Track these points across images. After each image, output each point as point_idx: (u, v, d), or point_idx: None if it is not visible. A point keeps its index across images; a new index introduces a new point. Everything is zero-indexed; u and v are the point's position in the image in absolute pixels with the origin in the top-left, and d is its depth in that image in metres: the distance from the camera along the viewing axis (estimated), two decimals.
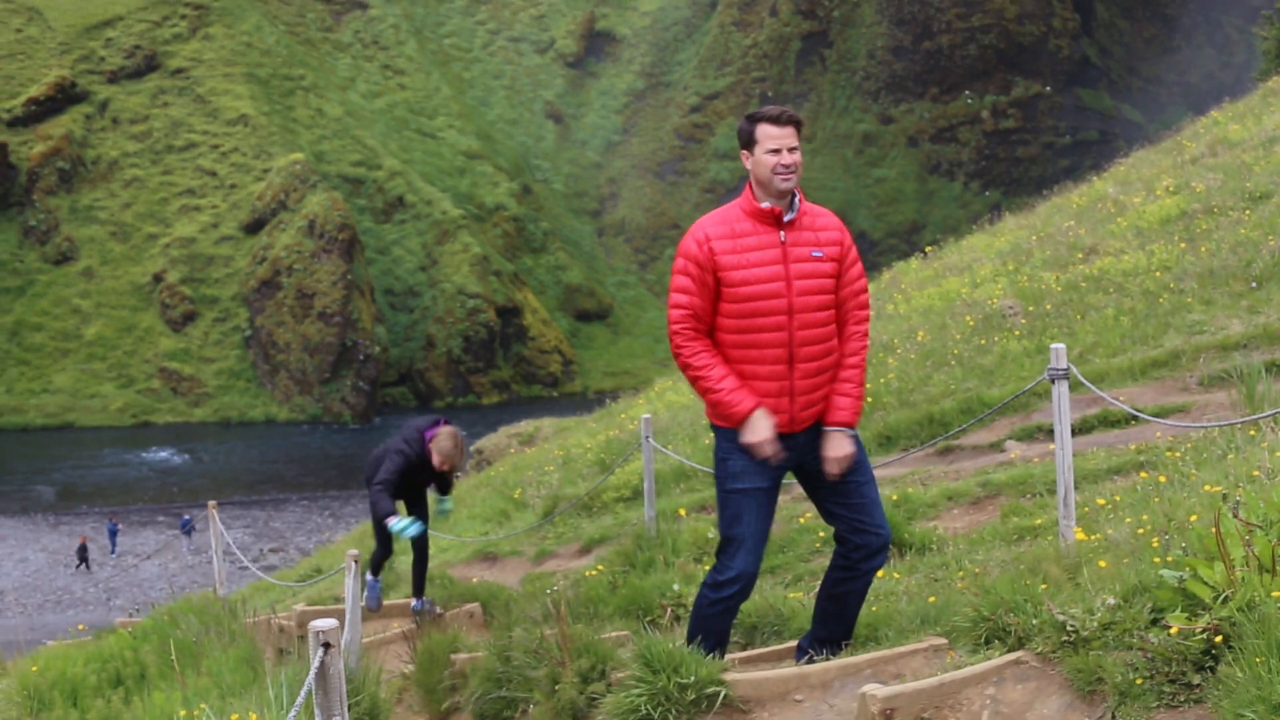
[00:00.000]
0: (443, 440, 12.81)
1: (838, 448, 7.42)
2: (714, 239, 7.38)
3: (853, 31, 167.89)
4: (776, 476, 7.63)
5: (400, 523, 12.08)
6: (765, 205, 7.34)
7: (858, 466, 7.59)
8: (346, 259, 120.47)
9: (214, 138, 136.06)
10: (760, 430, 7.40)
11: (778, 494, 7.71)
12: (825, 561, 11.71)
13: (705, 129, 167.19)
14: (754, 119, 7.43)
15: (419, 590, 13.71)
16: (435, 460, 12.78)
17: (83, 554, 66.86)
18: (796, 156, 7.32)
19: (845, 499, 7.58)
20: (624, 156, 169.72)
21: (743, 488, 7.60)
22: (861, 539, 7.57)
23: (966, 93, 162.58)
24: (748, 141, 7.42)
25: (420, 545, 13.51)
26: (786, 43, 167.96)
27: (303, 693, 5.02)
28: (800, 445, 7.54)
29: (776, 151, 7.28)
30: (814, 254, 7.35)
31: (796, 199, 7.40)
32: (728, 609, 7.80)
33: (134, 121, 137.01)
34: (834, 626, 7.83)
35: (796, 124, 7.38)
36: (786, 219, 7.36)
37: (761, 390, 7.42)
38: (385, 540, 13.32)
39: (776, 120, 7.36)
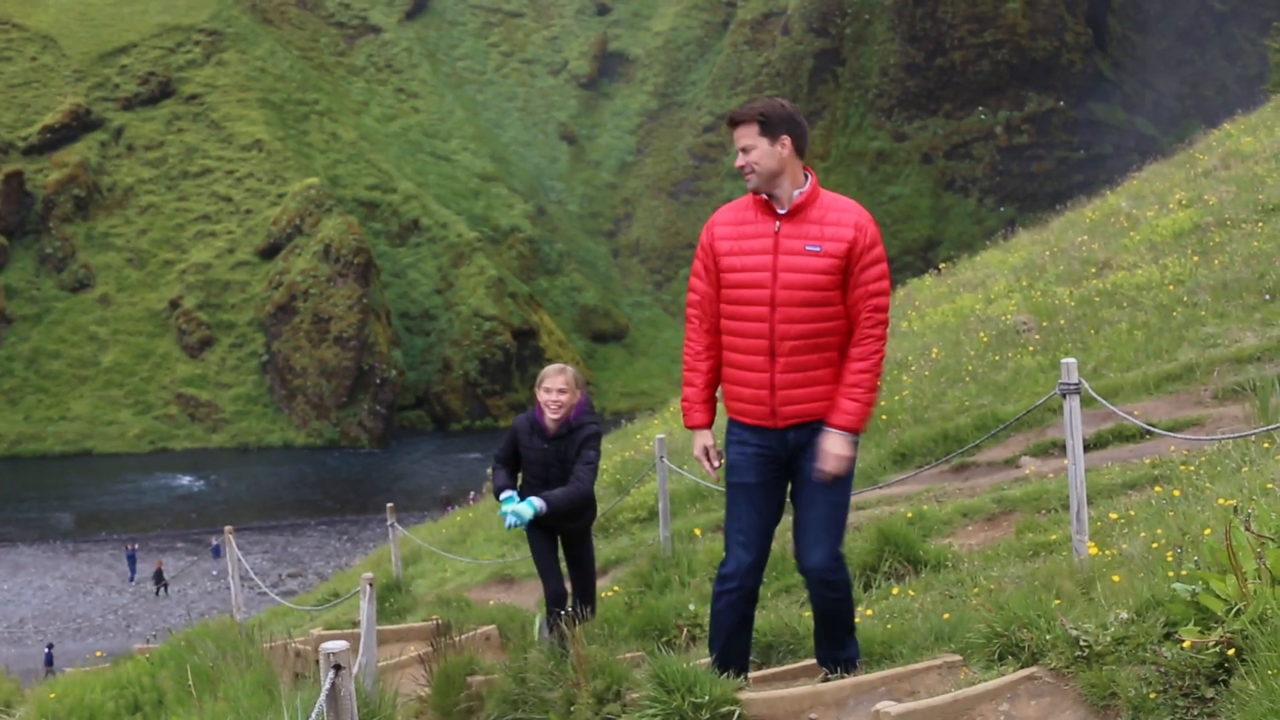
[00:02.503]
0: (542, 376, 10.44)
1: (831, 447, 7.32)
2: (718, 225, 7.50)
3: (865, 49, 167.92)
4: (767, 473, 7.60)
5: (509, 499, 10.05)
6: (761, 196, 7.38)
7: (833, 483, 7.48)
8: (362, 283, 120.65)
9: (229, 163, 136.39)
10: (695, 448, 7.69)
11: (778, 493, 7.67)
12: None
13: (719, 148, 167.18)
14: None
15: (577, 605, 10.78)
16: (540, 398, 10.26)
17: (159, 578, 67.10)
18: (751, 156, 7.29)
19: (799, 509, 7.58)
20: (638, 177, 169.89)
21: (734, 481, 7.66)
22: (796, 560, 7.66)
23: (980, 109, 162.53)
24: None
25: (573, 551, 10.77)
26: (799, 61, 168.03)
27: (314, 715, 5.03)
28: (790, 443, 7.49)
29: (741, 151, 7.34)
30: (808, 247, 7.26)
31: (797, 191, 7.34)
32: (730, 604, 7.78)
33: (149, 148, 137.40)
34: (817, 645, 7.93)
35: (748, 121, 7.32)
36: (782, 211, 7.33)
37: (743, 380, 7.46)
38: (541, 562, 10.59)
39: (729, 121, 7.44)
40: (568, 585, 10.55)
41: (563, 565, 10.67)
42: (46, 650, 53.33)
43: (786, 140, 7.30)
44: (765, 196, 7.37)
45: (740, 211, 7.47)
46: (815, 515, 7.50)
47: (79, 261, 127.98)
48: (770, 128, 7.28)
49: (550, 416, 10.06)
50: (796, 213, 7.33)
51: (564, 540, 10.55)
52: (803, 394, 7.39)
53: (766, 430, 7.50)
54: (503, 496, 10.15)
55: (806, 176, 7.39)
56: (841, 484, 7.49)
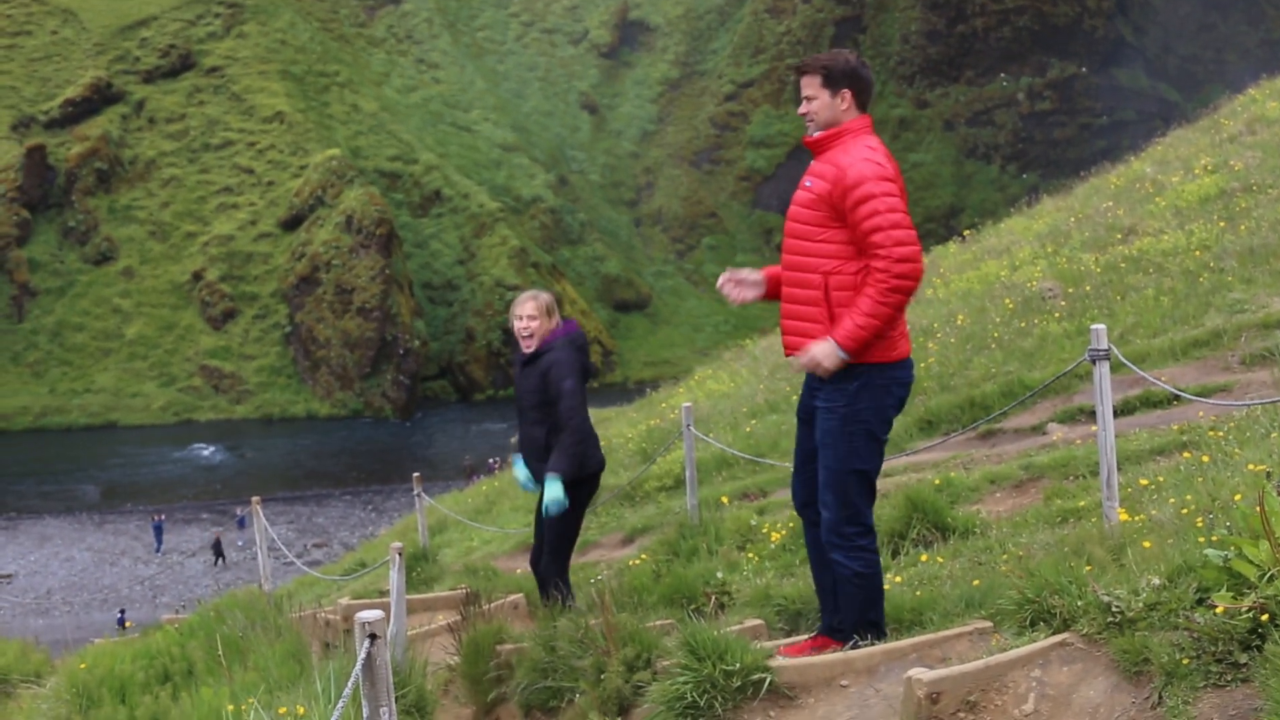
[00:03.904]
0: (513, 303, 10.43)
1: (815, 348, 7.46)
2: None
3: (886, 16, 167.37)
4: (803, 410, 7.96)
5: (520, 464, 9.99)
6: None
7: (820, 445, 7.70)
8: (385, 254, 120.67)
9: (250, 135, 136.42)
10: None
11: (813, 432, 7.85)
12: None
13: (740, 117, 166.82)
14: None
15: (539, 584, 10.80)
16: (514, 331, 10.19)
17: (218, 549, 67.37)
18: (812, 106, 7.61)
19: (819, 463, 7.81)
20: (660, 146, 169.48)
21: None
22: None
23: (1002, 75, 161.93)
24: None
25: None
26: (820, 29, 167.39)
27: (349, 684, 5.05)
28: (811, 385, 7.83)
29: (805, 99, 7.68)
30: (806, 183, 7.60)
31: (822, 133, 7.62)
32: (807, 533, 8.24)
33: (170, 121, 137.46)
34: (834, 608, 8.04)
35: (810, 71, 7.62)
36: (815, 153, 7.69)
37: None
38: (559, 524, 10.33)
39: (796, 71, 7.78)
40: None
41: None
42: (119, 614, 53.78)
43: (847, 94, 7.56)
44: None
45: None
46: (821, 476, 7.72)
47: (101, 234, 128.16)
48: (832, 80, 7.55)
49: (524, 344, 10.03)
50: (819, 150, 7.64)
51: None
52: (792, 325, 7.67)
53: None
54: (517, 463, 10.28)
55: (841, 120, 7.63)
56: (834, 451, 7.59)
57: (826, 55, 7.62)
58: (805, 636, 8.35)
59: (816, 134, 7.58)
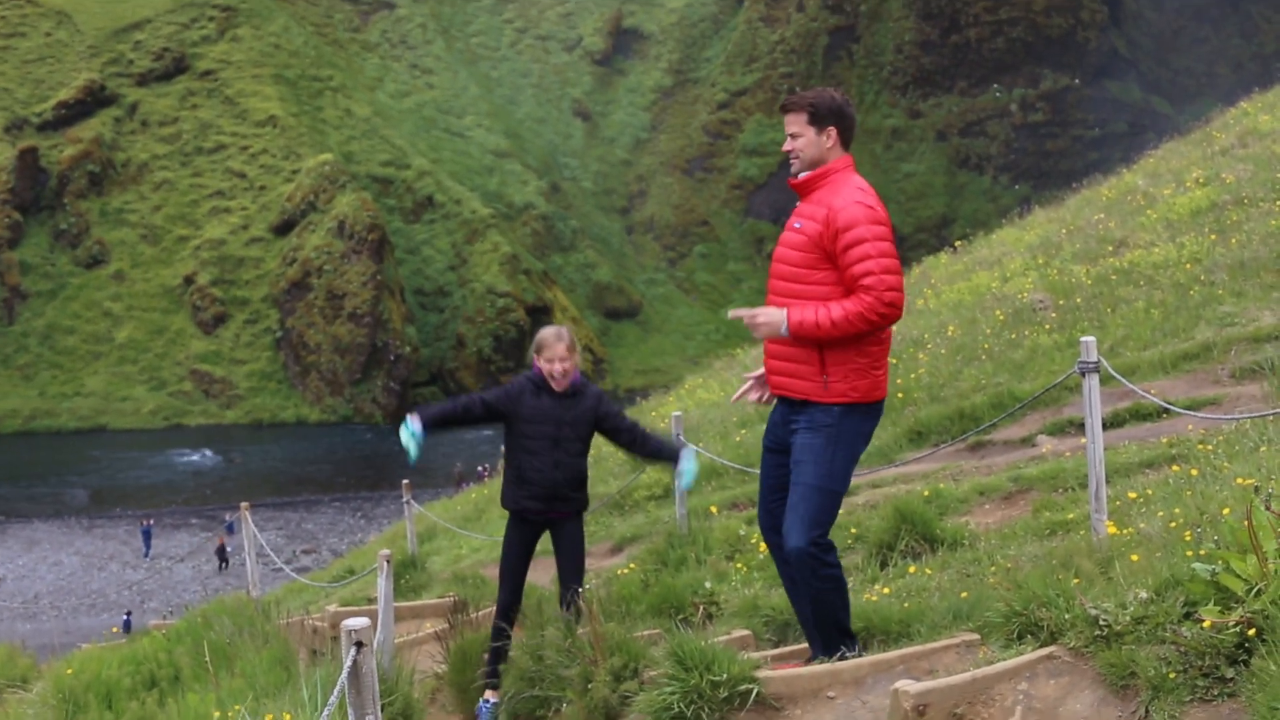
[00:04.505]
0: (540, 334, 10.07)
1: (766, 311, 7.56)
2: None
3: (880, 26, 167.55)
4: (774, 441, 7.94)
5: (408, 427, 9.60)
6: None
7: (797, 464, 7.62)
8: (376, 259, 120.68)
9: (243, 139, 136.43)
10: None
11: (785, 460, 7.82)
12: (854, 559, 11.72)
13: (733, 125, 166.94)
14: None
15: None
16: (545, 368, 9.86)
17: (222, 554, 67.30)
18: (798, 143, 7.61)
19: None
20: (652, 154, 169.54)
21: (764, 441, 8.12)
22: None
23: (995, 86, 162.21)
24: None
25: (563, 541, 10.18)
26: (814, 38, 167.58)
27: (335, 692, 5.05)
28: (776, 416, 7.89)
29: (790, 136, 7.66)
30: (795, 224, 7.61)
31: (805, 173, 7.64)
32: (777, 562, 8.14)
33: (163, 124, 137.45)
34: (810, 635, 8.00)
35: (797, 110, 7.59)
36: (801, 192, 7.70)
37: (764, 348, 7.86)
38: (508, 561, 10.14)
39: (781, 108, 7.76)
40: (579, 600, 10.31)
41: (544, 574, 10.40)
42: (125, 616, 53.65)
43: (833, 132, 7.58)
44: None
45: None
46: (792, 496, 7.61)
47: (93, 237, 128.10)
48: (818, 118, 7.56)
49: (557, 383, 9.97)
50: (806, 191, 7.64)
51: (552, 534, 10.30)
52: (780, 365, 7.68)
53: (781, 400, 7.81)
54: (408, 421, 9.68)
55: (827, 159, 7.63)
56: (814, 468, 7.55)
57: (812, 93, 7.62)
58: (796, 661, 8.33)
59: (803, 175, 7.59)
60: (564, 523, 10.06)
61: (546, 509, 9.93)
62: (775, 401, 7.94)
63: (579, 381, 9.95)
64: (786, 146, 7.63)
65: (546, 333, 10.02)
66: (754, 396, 8.06)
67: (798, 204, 7.67)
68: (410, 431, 9.60)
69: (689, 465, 9.77)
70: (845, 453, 7.61)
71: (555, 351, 9.85)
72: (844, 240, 7.34)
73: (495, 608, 10.16)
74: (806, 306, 7.40)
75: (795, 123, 7.56)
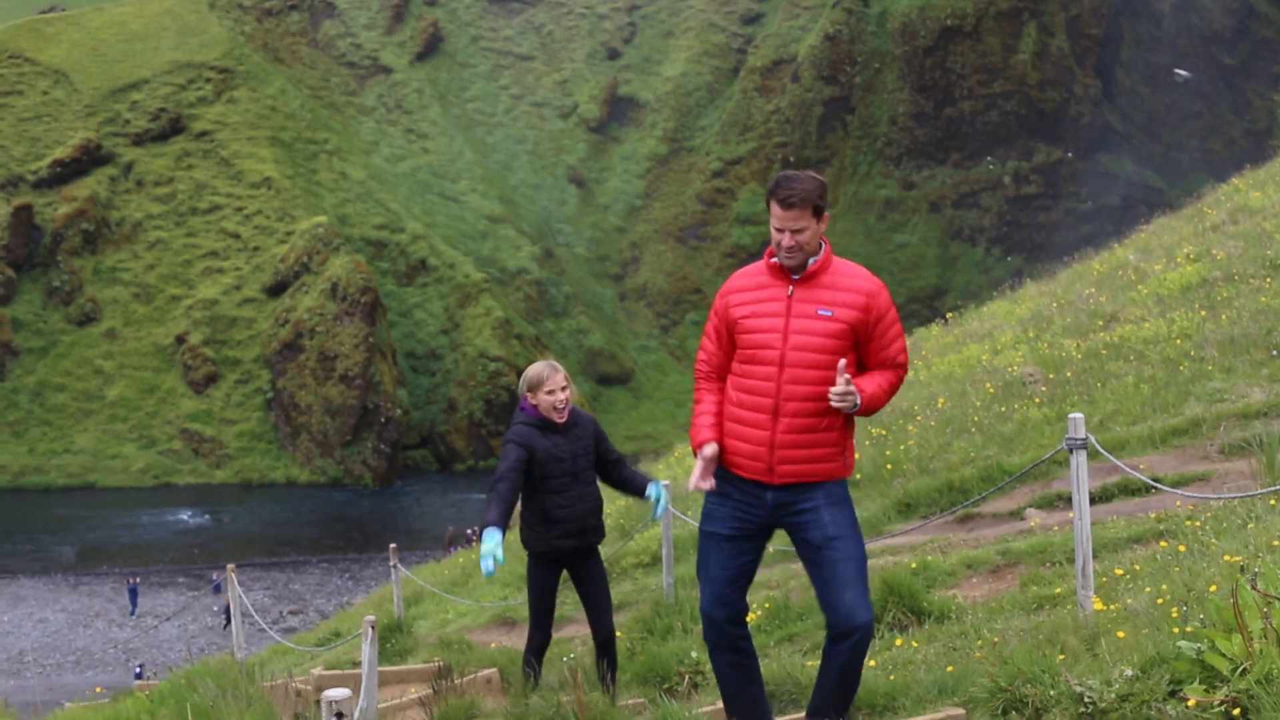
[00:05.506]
0: (531, 371, 10.18)
1: (850, 388, 7.43)
2: (733, 291, 7.84)
3: (874, 98, 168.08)
4: (740, 528, 7.74)
5: (489, 542, 9.13)
6: (775, 261, 7.63)
7: (835, 540, 7.52)
8: (369, 322, 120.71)
9: (238, 200, 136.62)
10: (697, 463, 7.76)
11: (750, 547, 7.76)
12: None
13: (727, 194, 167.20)
14: (769, 191, 7.58)
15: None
16: (544, 403, 9.99)
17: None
18: (800, 238, 7.47)
19: (818, 570, 7.58)
20: (646, 221, 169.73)
21: (707, 530, 7.85)
22: (830, 617, 7.54)
23: (988, 158, 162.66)
24: (768, 205, 7.60)
25: (585, 582, 10.37)
26: (809, 108, 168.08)
27: None
28: (769, 504, 7.64)
29: (780, 231, 7.50)
30: (821, 312, 7.48)
31: (812, 259, 7.55)
32: (710, 646, 7.91)
33: (158, 184, 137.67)
34: (819, 697, 7.77)
35: (804, 205, 7.45)
36: (796, 276, 7.56)
37: (744, 435, 7.61)
38: (539, 602, 10.28)
39: (783, 203, 7.48)
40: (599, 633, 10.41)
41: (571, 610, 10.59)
42: (137, 669, 53.39)
43: (826, 217, 7.61)
44: (775, 261, 7.63)
45: (754, 276, 7.78)
46: (848, 571, 7.50)
47: (86, 295, 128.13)
48: (819, 210, 7.52)
49: (557, 415, 10.01)
50: (810, 278, 7.57)
51: (573, 569, 10.35)
52: (801, 454, 7.54)
53: (753, 485, 7.65)
54: (487, 534, 9.25)
55: (820, 245, 7.60)
56: (855, 540, 7.59)
57: (809, 184, 7.49)
58: None
59: (811, 264, 7.55)
60: (586, 559, 10.27)
61: (579, 544, 10.07)
62: (717, 487, 7.80)
63: (573, 410, 10.13)
64: (789, 242, 7.46)
65: (539, 367, 10.12)
66: (707, 485, 7.86)
67: (794, 289, 7.54)
68: (494, 541, 9.20)
69: (659, 493, 10.05)
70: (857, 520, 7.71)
71: (555, 382, 10.01)
72: (887, 322, 7.53)
73: (527, 646, 10.42)
74: (862, 380, 7.48)
75: (801, 218, 7.43)
